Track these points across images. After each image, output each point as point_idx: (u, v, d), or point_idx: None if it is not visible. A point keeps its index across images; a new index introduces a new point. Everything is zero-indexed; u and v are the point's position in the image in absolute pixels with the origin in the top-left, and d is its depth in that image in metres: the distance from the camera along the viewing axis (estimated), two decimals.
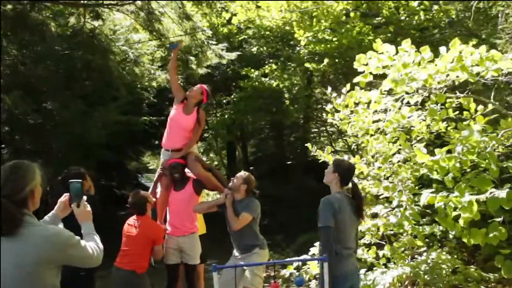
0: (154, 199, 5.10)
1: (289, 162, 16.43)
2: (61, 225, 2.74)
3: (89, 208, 2.66)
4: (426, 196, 4.17)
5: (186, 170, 5.43)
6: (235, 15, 12.41)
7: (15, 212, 2.28)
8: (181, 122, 5.41)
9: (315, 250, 5.81)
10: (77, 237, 2.44)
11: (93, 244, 2.52)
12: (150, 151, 24.06)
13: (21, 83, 7.76)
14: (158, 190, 5.44)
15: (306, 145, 6.72)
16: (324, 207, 3.78)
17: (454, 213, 4.27)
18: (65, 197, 2.68)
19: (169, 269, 5.25)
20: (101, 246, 2.56)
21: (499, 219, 4.08)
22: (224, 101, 16.12)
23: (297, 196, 13.45)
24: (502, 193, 3.75)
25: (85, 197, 2.69)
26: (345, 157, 6.15)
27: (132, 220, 4.86)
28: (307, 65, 11.64)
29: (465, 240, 4.20)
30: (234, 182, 4.88)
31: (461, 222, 4.17)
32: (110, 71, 8.79)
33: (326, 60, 11.06)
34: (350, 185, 4.00)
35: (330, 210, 3.74)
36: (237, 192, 4.86)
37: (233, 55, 9.35)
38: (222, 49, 8.81)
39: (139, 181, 22.88)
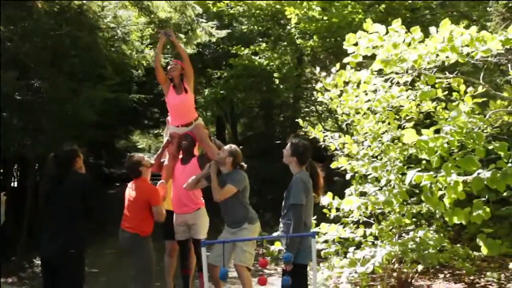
0: (152, 162, 5.19)
1: (278, 142, 16.40)
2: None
3: None
4: (412, 175, 4.18)
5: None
6: None
7: None
8: (179, 103, 5.52)
9: None
10: None
11: None
12: (139, 130, 23.97)
13: (8, 60, 7.63)
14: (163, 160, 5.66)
15: (296, 120, 6.75)
16: (297, 186, 4.11)
17: (440, 192, 4.32)
18: None
19: (180, 245, 5.54)
20: None
21: (483, 199, 4.14)
22: (215, 76, 15.94)
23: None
24: (487, 174, 3.79)
25: None
26: (336, 135, 6.19)
27: (130, 183, 4.99)
28: (297, 41, 11.58)
29: (447, 219, 4.25)
30: (220, 155, 4.91)
31: (446, 201, 4.23)
32: (98, 49, 8.65)
33: (315, 37, 11.01)
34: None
35: (303, 189, 4.09)
36: (223, 165, 4.87)
37: (223, 33, 9.24)
38: (212, 27, 8.71)
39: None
